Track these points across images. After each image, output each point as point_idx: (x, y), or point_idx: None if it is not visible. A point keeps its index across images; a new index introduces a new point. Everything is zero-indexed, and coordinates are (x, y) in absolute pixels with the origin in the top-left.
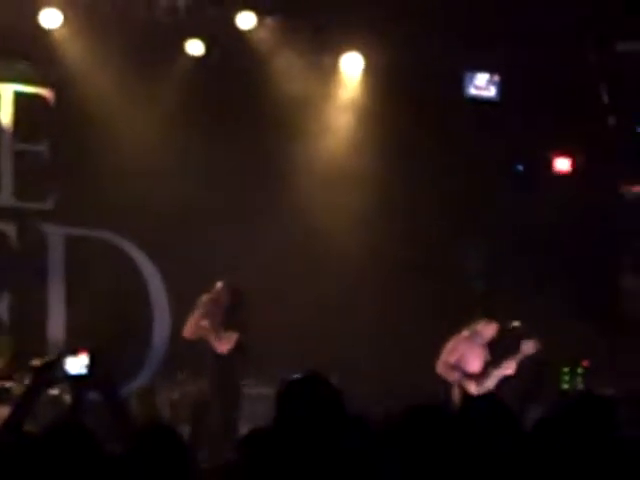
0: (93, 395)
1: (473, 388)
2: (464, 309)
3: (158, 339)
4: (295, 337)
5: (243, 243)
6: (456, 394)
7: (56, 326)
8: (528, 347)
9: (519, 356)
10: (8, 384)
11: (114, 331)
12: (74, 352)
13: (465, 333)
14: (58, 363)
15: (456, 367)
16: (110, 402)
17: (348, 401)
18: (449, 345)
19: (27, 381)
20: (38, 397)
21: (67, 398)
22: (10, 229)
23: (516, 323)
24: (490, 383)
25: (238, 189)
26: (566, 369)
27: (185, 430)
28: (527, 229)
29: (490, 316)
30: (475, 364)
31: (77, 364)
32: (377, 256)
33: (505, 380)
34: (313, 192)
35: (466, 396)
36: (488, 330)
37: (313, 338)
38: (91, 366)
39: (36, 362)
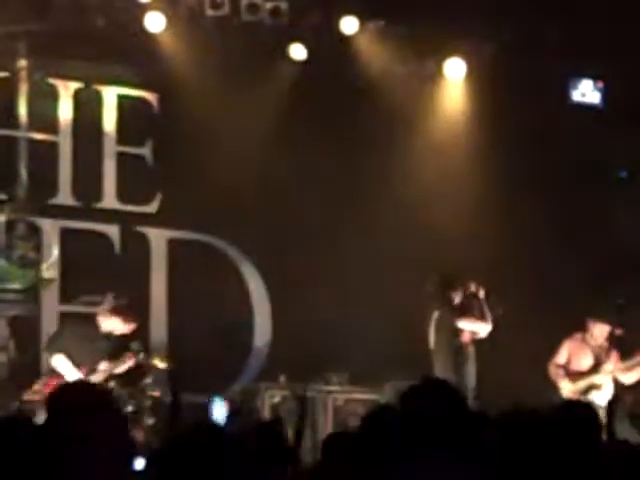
0: None
1: (567, 388)
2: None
3: (259, 342)
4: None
5: (344, 253)
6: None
7: (158, 328)
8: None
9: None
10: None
11: (215, 334)
12: None
13: (577, 335)
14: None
15: (562, 367)
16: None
17: None
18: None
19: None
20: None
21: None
22: (113, 232)
23: (619, 331)
24: (581, 385)
25: (339, 197)
26: None
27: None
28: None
29: (600, 317)
30: (581, 364)
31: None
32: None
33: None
34: (421, 194)
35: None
36: (598, 331)
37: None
38: None
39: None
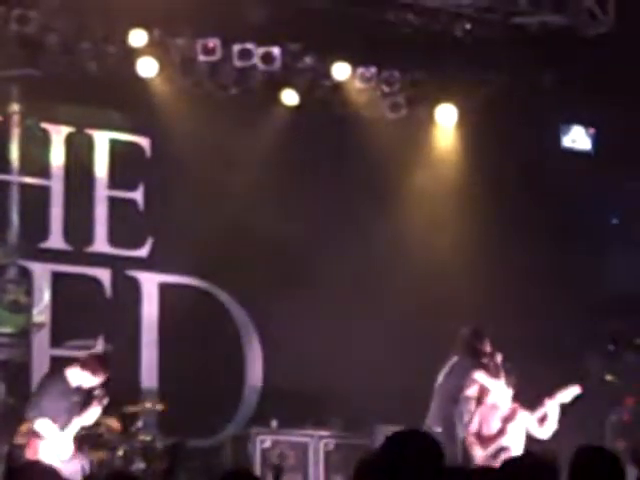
0: None
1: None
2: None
3: (250, 386)
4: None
5: (338, 297)
6: None
7: (149, 373)
8: None
9: None
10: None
11: (206, 379)
12: None
13: None
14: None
15: (474, 434)
16: None
17: None
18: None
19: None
20: None
21: (159, 445)
22: (105, 276)
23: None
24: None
25: (330, 240)
26: None
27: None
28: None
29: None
30: (491, 428)
31: None
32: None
33: None
34: (416, 236)
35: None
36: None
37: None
38: None
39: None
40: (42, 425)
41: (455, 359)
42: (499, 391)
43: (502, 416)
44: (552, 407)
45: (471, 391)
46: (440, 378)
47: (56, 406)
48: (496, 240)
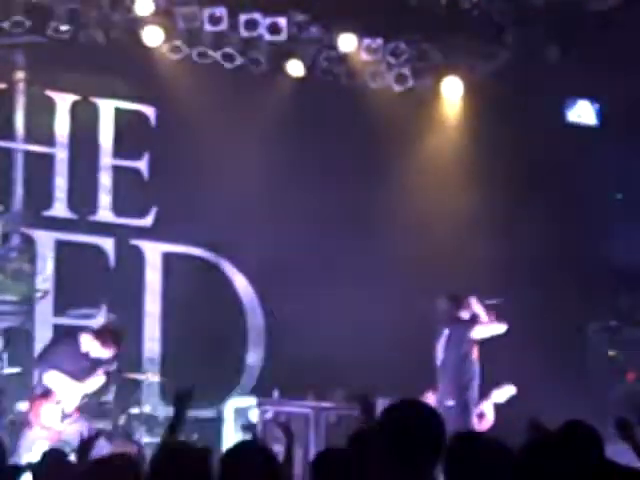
0: None
1: None
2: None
3: (253, 358)
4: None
5: (343, 269)
6: None
7: (152, 342)
8: None
9: None
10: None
11: (209, 348)
12: None
13: None
14: None
15: None
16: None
17: None
18: None
19: None
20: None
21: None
22: (108, 245)
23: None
24: None
25: (337, 215)
26: None
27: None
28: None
29: None
30: None
31: None
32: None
33: None
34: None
35: None
36: None
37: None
38: None
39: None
40: (52, 377)
41: (446, 331)
42: (499, 331)
43: None
44: (487, 407)
45: (474, 355)
46: (440, 354)
47: (65, 363)
48: (499, 214)
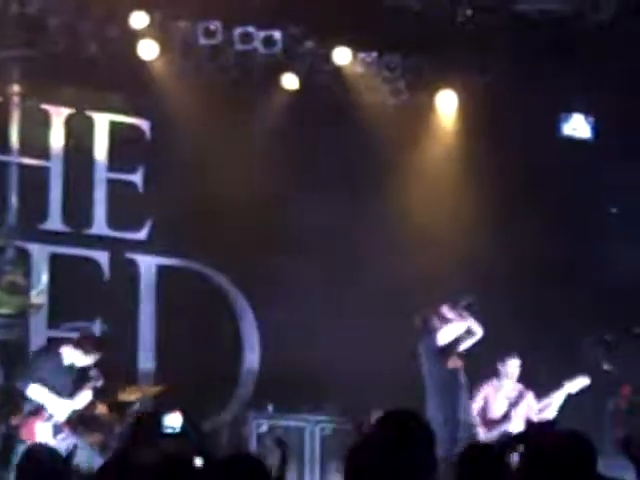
0: None
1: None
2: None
3: (247, 372)
4: None
5: (337, 283)
6: None
7: (146, 356)
8: None
9: None
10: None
11: (203, 363)
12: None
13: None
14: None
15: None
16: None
17: None
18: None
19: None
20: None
21: None
22: (103, 258)
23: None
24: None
25: (331, 226)
26: None
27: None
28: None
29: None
30: (495, 411)
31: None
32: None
33: None
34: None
35: None
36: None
37: None
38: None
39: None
40: (34, 390)
41: (423, 346)
42: (461, 330)
43: (507, 398)
44: (558, 397)
45: (453, 364)
46: (424, 370)
47: (48, 377)
48: (494, 228)
